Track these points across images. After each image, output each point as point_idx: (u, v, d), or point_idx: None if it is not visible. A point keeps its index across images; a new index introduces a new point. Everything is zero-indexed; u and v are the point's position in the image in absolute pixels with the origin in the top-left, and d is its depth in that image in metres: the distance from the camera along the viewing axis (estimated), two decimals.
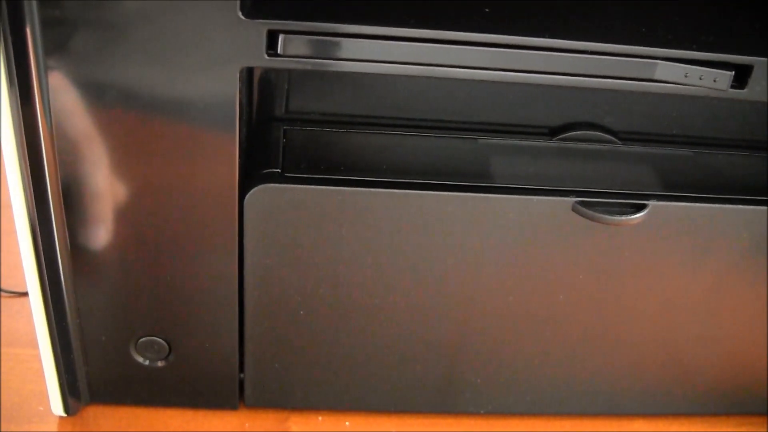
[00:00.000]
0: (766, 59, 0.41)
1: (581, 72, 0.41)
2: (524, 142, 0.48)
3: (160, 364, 0.50)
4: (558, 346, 0.51)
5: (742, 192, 0.47)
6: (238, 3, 0.37)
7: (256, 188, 0.43)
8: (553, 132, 0.49)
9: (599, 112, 0.49)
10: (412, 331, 0.50)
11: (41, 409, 0.52)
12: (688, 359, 0.53)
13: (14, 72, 0.39)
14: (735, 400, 0.55)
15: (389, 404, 0.53)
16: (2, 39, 0.38)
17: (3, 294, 0.61)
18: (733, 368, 0.54)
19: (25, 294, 0.60)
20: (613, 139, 0.49)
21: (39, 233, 0.44)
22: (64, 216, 0.44)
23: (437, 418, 0.54)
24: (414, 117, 0.48)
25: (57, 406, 0.51)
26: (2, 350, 0.56)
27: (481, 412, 0.54)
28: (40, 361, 0.50)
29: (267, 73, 0.47)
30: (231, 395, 0.52)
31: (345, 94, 0.47)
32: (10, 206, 0.68)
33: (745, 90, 0.42)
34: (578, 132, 0.48)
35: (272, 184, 0.43)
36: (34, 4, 0.37)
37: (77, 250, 0.45)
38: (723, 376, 0.54)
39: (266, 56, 0.39)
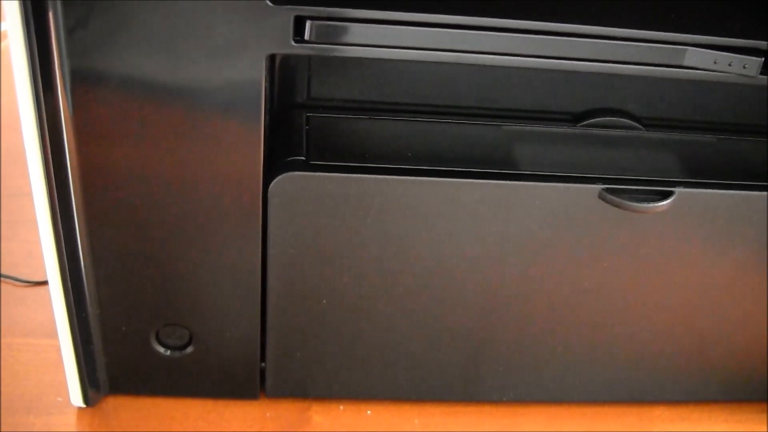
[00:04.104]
0: None
1: (611, 58, 0.41)
2: (548, 129, 0.48)
3: (180, 354, 0.50)
4: (581, 334, 0.51)
5: (765, 178, 0.47)
6: None
7: (280, 176, 0.43)
8: (576, 118, 0.48)
9: (622, 98, 0.49)
10: (434, 319, 0.49)
11: (60, 399, 0.52)
12: (711, 346, 0.53)
13: (36, 60, 0.38)
14: (757, 387, 0.55)
15: (411, 393, 0.53)
16: (24, 26, 0.37)
17: (19, 283, 0.60)
18: (757, 355, 0.53)
19: (40, 283, 0.60)
20: (637, 125, 0.48)
21: (60, 222, 0.44)
22: (85, 204, 0.43)
23: (459, 407, 0.54)
24: (437, 103, 0.48)
25: (76, 397, 0.51)
26: (20, 340, 0.56)
27: (504, 399, 0.54)
28: (57, 351, 0.49)
29: (288, 58, 0.46)
30: (252, 385, 0.52)
31: (367, 80, 0.47)
32: (25, 195, 0.68)
33: None
34: (602, 118, 0.48)
35: (297, 173, 0.43)
36: (59, 6, 0.37)
37: (98, 238, 0.45)
38: (745, 363, 0.54)
39: (293, 42, 0.39)
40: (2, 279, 0.61)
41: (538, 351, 0.51)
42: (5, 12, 0.37)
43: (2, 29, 0.94)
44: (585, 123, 0.48)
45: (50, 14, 0.37)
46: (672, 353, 0.53)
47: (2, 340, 0.56)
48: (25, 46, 0.38)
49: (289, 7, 0.38)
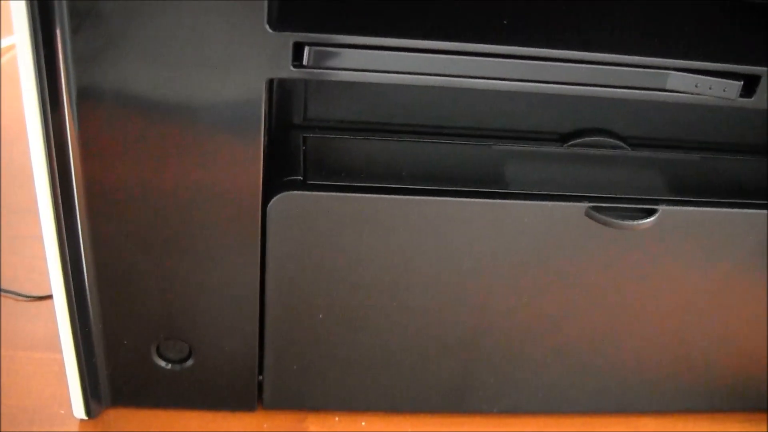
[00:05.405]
0: None
1: (595, 82, 0.42)
2: (536, 149, 0.49)
3: (180, 367, 0.51)
4: (569, 347, 0.53)
5: (748, 196, 0.49)
6: (265, 16, 0.38)
7: (279, 195, 0.44)
8: (564, 138, 0.50)
9: (609, 119, 0.50)
10: (428, 333, 0.51)
11: (62, 412, 0.53)
12: (696, 358, 0.54)
13: (44, 77, 0.39)
14: (741, 397, 0.57)
15: (405, 404, 0.54)
16: (33, 44, 0.38)
17: (20, 298, 0.62)
18: (740, 366, 0.55)
19: (42, 298, 0.61)
20: (623, 144, 0.50)
21: (65, 237, 0.45)
22: (90, 220, 0.45)
23: (452, 418, 0.55)
24: (430, 124, 0.49)
25: (78, 409, 0.52)
26: (22, 354, 0.57)
27: (495, 410, 0.55)
28: (59, 364, 0.51)
29: (285, 80, 0.47)
30: (249, 397, 0.53)
31: (363, 101, 0.48)
32: (25, 211, 0.69)
33: (753, 98, 0.43)
34: (588, 138, 0.50)
35: (295, 192, 0.44)
36: (66, 19, 0.38)
37: (101, 253, 0.46)
38: (730, 374, 0.55)
39: (292, 68, 0.40)
40: (4, 294, 0.62)
41: (528, 363, 0.53)
42: (14, 30, 0.38)
43: (1, 45, 0.96)
44: (572, 143, 0.50)
45: (57, 32, 0.38)
46: (658, 365, 0.54)
47: (5, 354, 0.57)
48: (34, 63, 0.39)
49: (288, 33, 0.39)
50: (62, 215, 0.44)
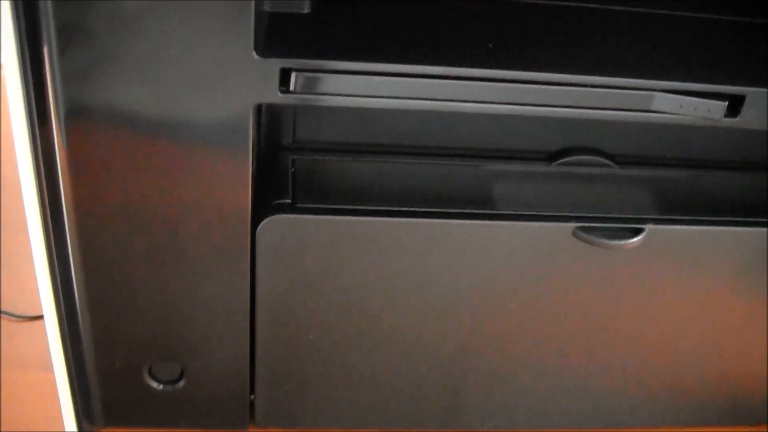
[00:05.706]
0: (757, 89, 0.43)
1: (582, 104, 0.43)
2: (524, 168, 0.50)
3: (172, 388, 0.51)
4: (559, 364, 0.53)
5: (736, 213, 0.49)
6: (251, 42, 0.39)
7: (268, 219, 0.45)
8: (551, 157, 0.50)
9: (596, 137, 0.50)
10: (418, 352, 0.51)
11: None
12: (685, 374, 0.55)
13: (32, 96, 0.40)
14: (731, 412, 0.57)
15: (396, 422, 0.55)
16: (20, 64, 0.39)
17: (14, 319, 0.62)
18: (729, 382, 0.55)
19: (35, 318, 0.61)
20: (610, 163, 0.50)
21: (55, 257, 0.45)
22: (80, 241, 0.45)
23: None
24: (418, 144, 0.50)
25: (71, 430, 0.52)
26: (16, 374, 0.57)
27: (485, 427, 0.55)
28: (53, 385, 0.51)
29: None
30: (242, 416, 0.53)
31: (351, 123, 0.49)
32: (22, 228, 0.69)
33: (737, 118, 0.44)
34: (576, 157, 0.50)
35: (284, 215, 0.45)
36: (53, 38, 0.38)
37: (92, 275, 0.46)
38: (719, 389, 0.56)
39: (279, 93, 0.40)
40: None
41: (518, 380, 0.53)
42: (1, 48, 0.39)
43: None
44: (560, 161, 0.50)
45: (45, 51, 0.38)
46: (648, 381, 0.54)
47: None
48: (21, 82, 0.39)
49: (274, 59, 0.39)
50: (52, 234, 0.44)
